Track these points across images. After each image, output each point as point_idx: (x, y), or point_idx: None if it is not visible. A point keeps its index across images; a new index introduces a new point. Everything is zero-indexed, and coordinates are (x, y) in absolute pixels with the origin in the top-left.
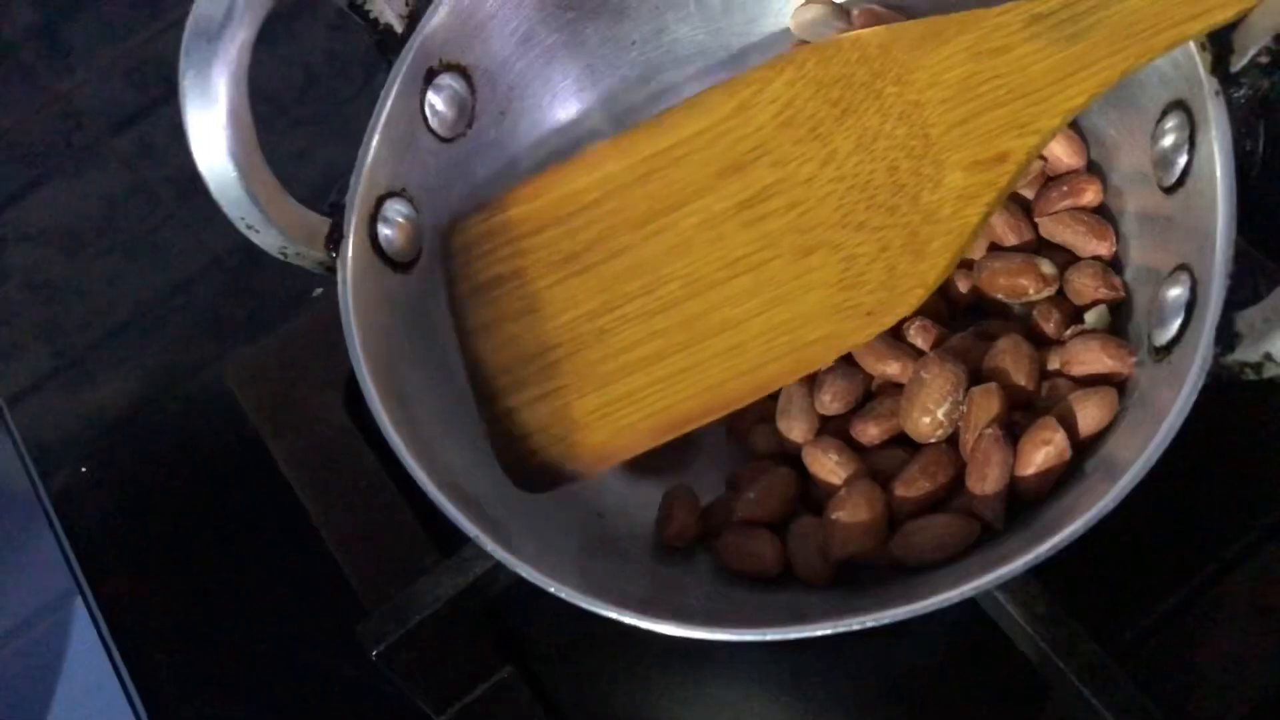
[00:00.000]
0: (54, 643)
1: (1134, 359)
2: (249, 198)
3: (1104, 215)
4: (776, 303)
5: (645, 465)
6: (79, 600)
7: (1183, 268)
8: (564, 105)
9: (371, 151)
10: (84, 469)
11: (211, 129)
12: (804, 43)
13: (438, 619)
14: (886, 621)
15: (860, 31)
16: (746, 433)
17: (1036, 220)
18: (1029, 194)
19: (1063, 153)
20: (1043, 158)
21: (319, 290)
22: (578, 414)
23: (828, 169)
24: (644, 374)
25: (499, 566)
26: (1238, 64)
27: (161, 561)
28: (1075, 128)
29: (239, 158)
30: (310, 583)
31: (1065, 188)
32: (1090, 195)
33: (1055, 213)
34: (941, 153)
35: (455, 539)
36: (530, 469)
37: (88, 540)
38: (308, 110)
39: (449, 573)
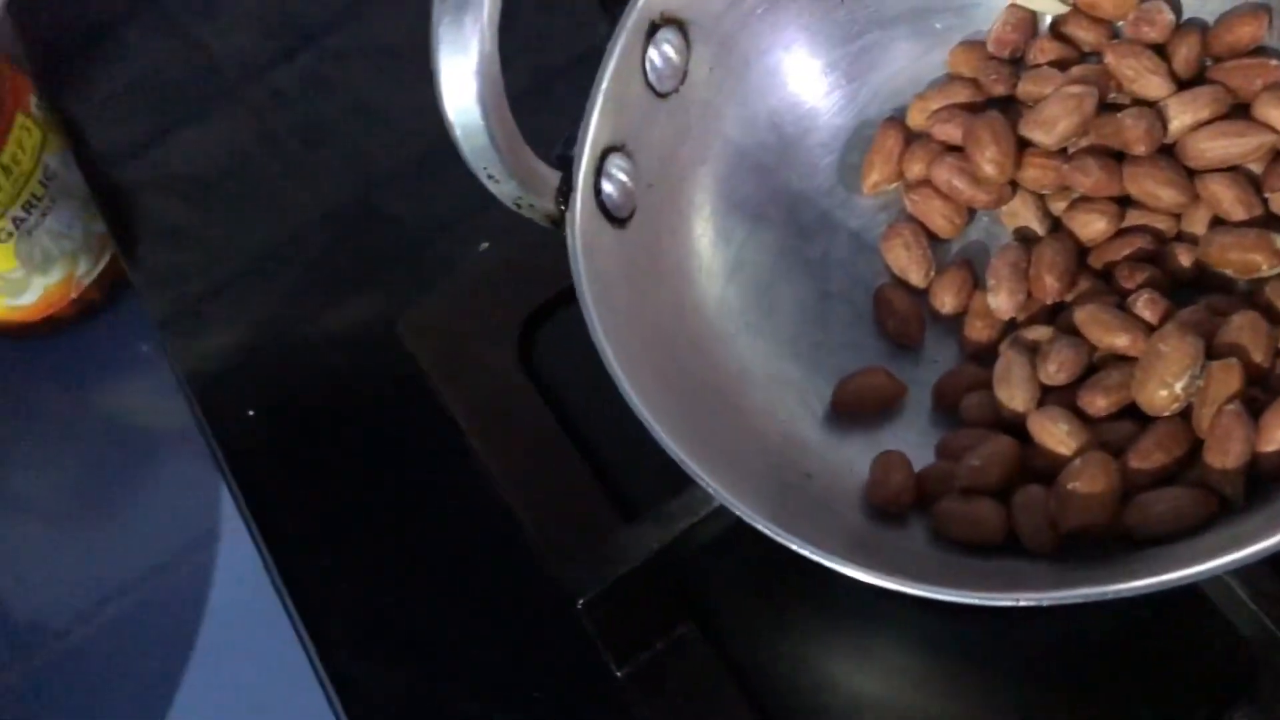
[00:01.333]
0: (209, 573)
1: None
2: (493, 147)
3: None
4: None
5: (849, 426)
6: (235, 534)
7: None
8: (769, 64)
9: (599, 105)
10: (239, 396)
11: (463, 77)
12: (1018, 7)
13: (641, 572)
14: (1122, 594)
15: None
16: (956, 401)
17: (1266, 195)
18: (1257, 168)
19: None
20: (1276, 130)
21: (485, 245)
22: None
23: None
24: None
25: (699, 524)
26: None
27: (328, 501)
28: None
29: (488, 107)
30: (482, 529)
31: None
32: None
33: None
34: None
35: (635, 502)
36: None
37: (252, 473)
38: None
39: (654, 527)
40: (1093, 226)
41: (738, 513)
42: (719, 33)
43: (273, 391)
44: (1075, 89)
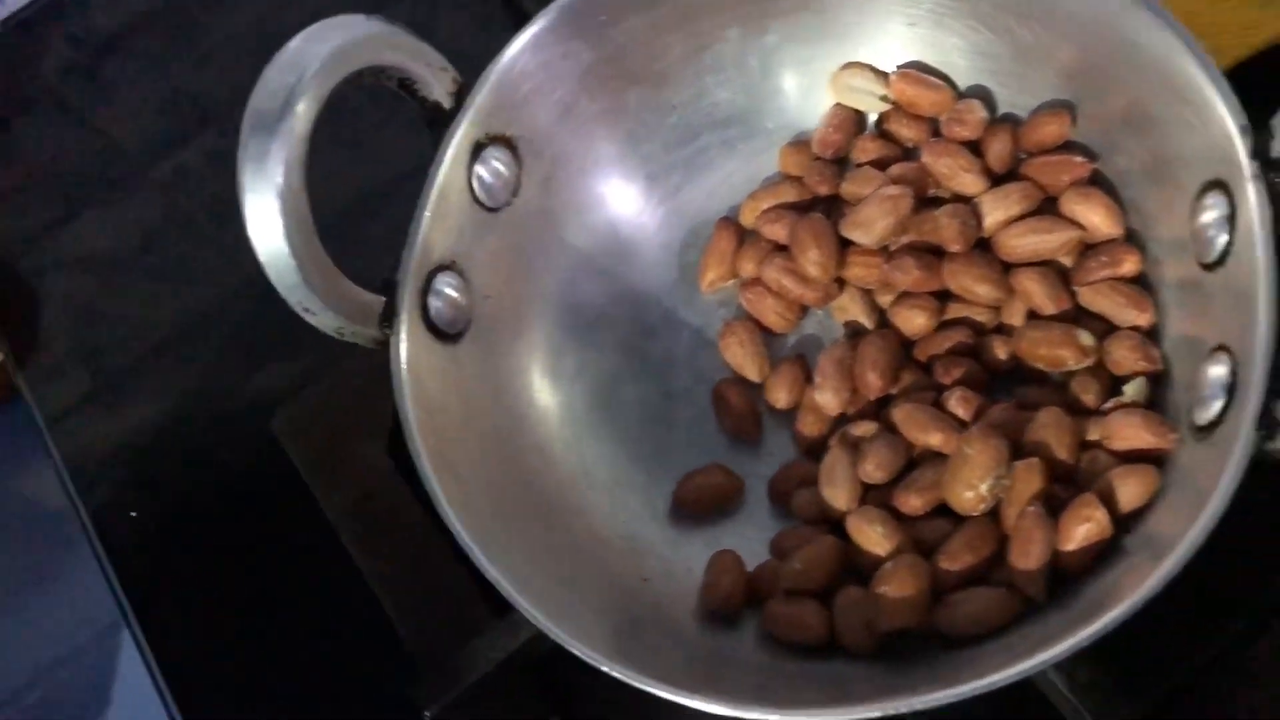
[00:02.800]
0: (105, 670)
1: (1175, 436)
2: (305, 284)
3: (1143, 285)
4: None
5: (689, 525)
6: (125, 630)
7: (1223, 348)
8: (605, 171)
9: (423, 226)
10: (125, 493)
11: (270, 218)
12: (843, 106)
13: (491, 679)
14: (937, 704)
15: None
16: (789, 496)
17: (1075, 289)
18: (1068, 262)
19: (1101, 221)
20: (1081, 226)
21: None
22: None
23: None
24: None
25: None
26: (1278, 149)
27: (206, 593)
28: (1115, 196)
29: (296, 245)
30: (358, 625)
31: (1104, 257)
32: (1129, 265)
33: (1094, 282)
34: None
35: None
36: None
37: (131, 569)
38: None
39: (502, 634)
40: (914, 321)
41: (565, 645)
42: (551, 146)
43: (158, 488)
44: (892, 190)
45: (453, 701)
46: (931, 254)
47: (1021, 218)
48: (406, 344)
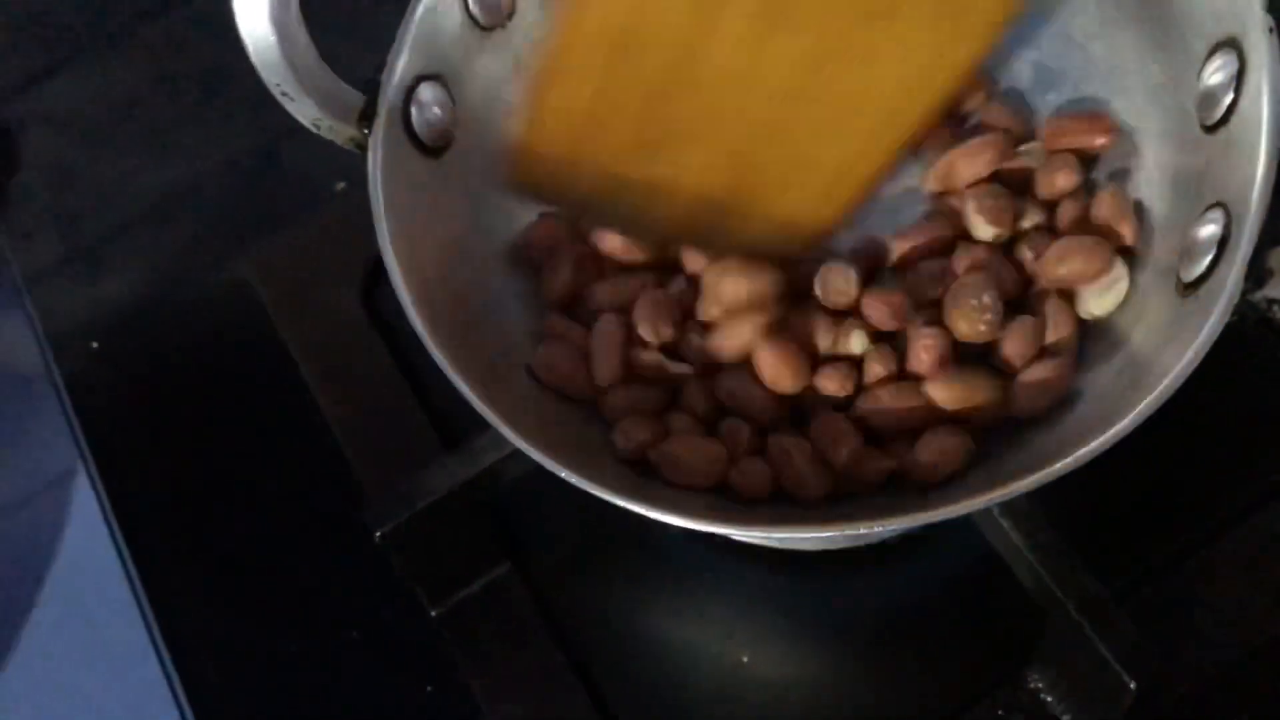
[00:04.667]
0: (57, 517)
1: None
2: (286, 63)
3: (1138, 158)
4: (900, 59)
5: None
6: (83, 478)
7: (1218, 205)
8: None
9: (411, 31)
10: (95, 353)
11: None
12: None
13: (443, 506)
14: (890, 530)
15: None
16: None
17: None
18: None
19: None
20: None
21: (341, 185)
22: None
23: None
24: (823, 162)
25: (506, 460)
26: None
27: (168, 444)
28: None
29: (280, 22)
30: (315, 471)
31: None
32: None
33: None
34: None
35: (460, 434)
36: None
37: (95, 420)
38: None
39: (458, 462)
40: None
41: (530, 454)
42: None
43: (129, 350)
44: None
45: (403, 524)
46: None
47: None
48: (385, 146)
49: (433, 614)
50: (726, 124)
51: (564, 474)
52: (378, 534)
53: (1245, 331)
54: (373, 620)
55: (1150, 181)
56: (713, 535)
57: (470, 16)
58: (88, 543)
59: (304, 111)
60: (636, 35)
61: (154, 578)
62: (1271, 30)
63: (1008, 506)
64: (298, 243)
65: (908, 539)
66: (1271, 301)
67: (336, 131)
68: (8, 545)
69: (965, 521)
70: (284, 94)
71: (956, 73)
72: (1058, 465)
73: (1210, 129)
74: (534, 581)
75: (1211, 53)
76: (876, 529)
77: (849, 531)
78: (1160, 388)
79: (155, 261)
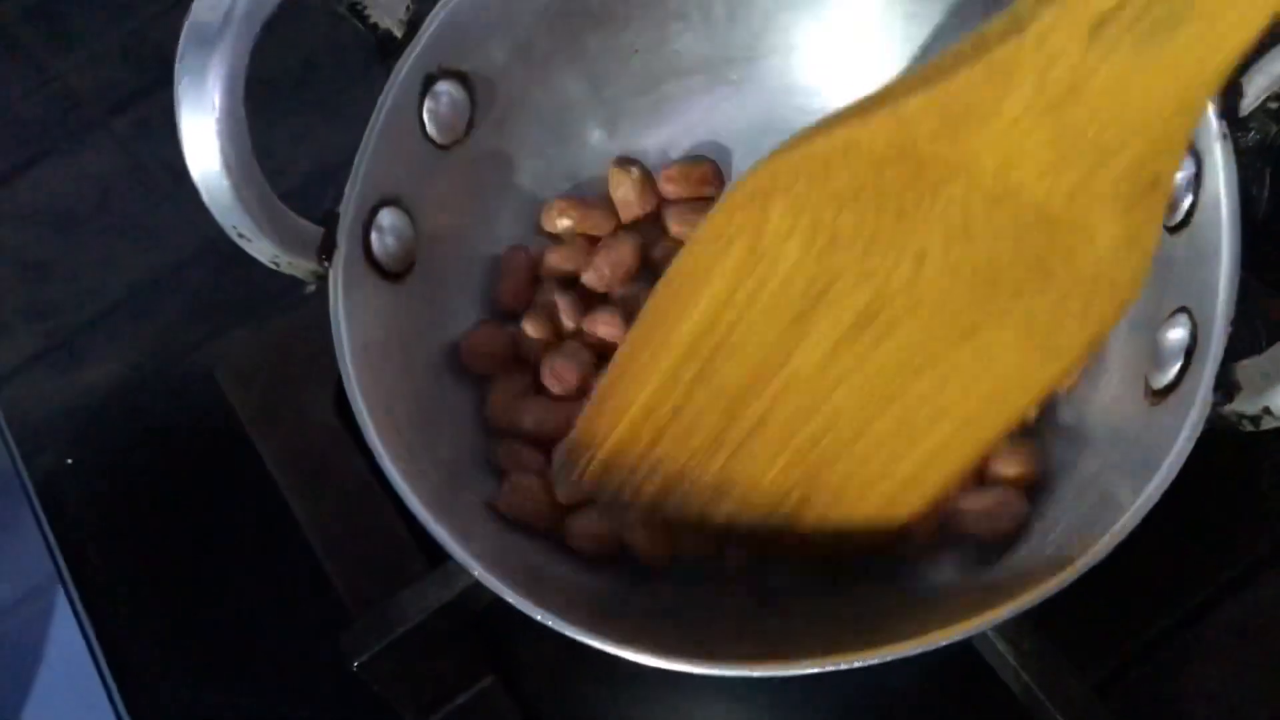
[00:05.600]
0: (36, 630)
1: None
2: (241, 206)
3: None
4: (975, 379)
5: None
6: (60, 589)
7: (1183, 310)
8: (563, 115)
9: (368, 159)
10: (69, 455)
11: (205, 136)
12: None
13: (421, 631)
14: (874, 662)
15: (845, 129)
16: None
17: None
18: None
19: None
20: None
21: (312, 287)
22: (858, 525)
23: (928, 266)
24: (891, 477)
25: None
26: (1246, 108)
27: (145, 553)
28: None
29: (233, 166)
30: (294, 582)
31: None
32: None
33: None
34: (1076, 218)
35: (441, 549)
36: None
37: (70, 528)
38: (308, 96)
39: (434, 586)
40: None
41: (499, 593)
42: (507, 85)
43: (103, 448)
44: None
45: (380, 651)
46: None
47: None
48: (343, 278)
49: None
50: (803, 424)
51: (523, 606)
52: (355, 664)
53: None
54: None
55: None
56: None
57: (428, 137)
58: (69, 657)
59: (262, 251)
60: (729, 344)
61: (133, 693)
62: (1225, 136)
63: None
64: (269, 340)
65: None
66: (1242, 416)
67: (295, 267)
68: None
69: None
70: (240, 235)
71: (1040, 391)
72: (1047, 585)
73: (1173, 230)
74: (519, 693)
75: None
76: (872, 660)
77: (841, 667)
78: (1134, 507)
79: (133, 350)
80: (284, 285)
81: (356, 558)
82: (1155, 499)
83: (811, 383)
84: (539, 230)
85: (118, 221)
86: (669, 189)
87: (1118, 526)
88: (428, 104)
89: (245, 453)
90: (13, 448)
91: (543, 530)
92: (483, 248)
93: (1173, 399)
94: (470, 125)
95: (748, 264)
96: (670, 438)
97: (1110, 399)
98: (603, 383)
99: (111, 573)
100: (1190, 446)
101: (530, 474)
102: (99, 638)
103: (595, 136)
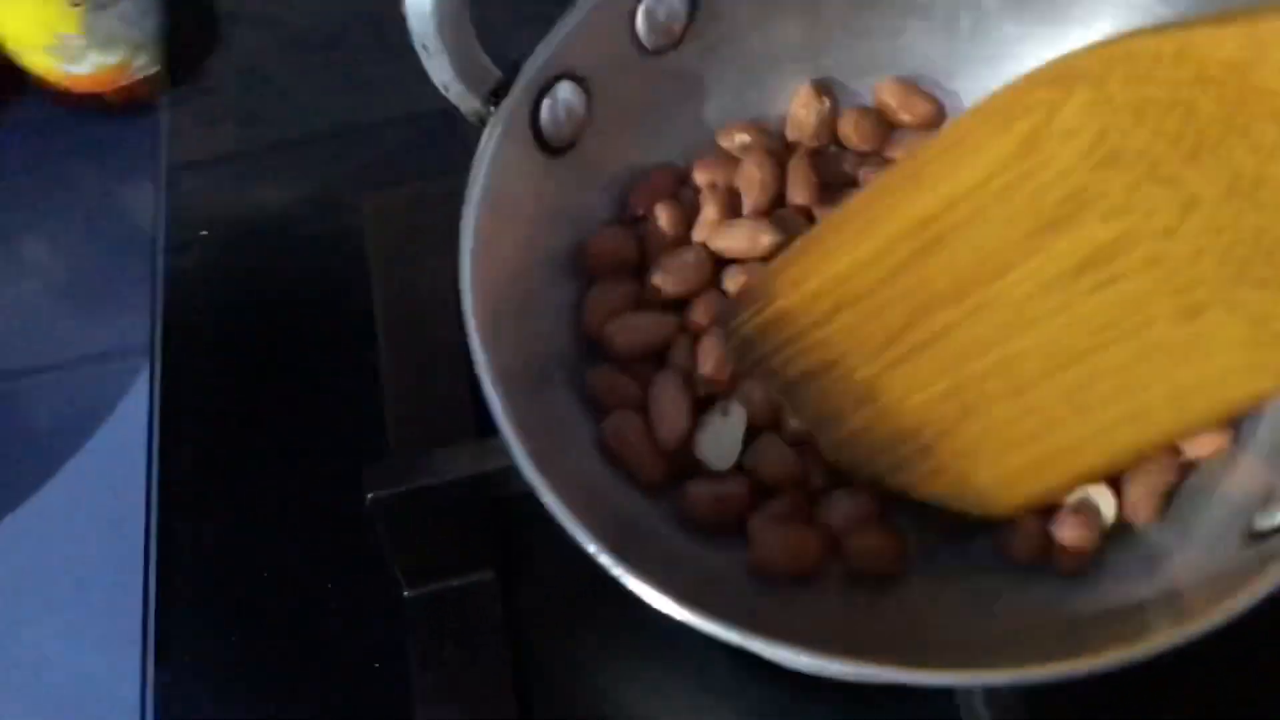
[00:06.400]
0: (110, 389)
1: None
2: (436, 19)
3: None
4: (1176, 365)
5: None
6: (147, 361)
7: None
8: (772, 64)
9: (568, 28)
10: (204, 246)
11: None
12: None
13: (443, 491)
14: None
15: (1187, 33)
16: None
17: None
18: None
19: None
20: None
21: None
22: (974, 487)
23: (1193, 219)
24: (1034, 446)
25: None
26: None
27: (231, 352)
28: None
29: None
30: (350, 428)
31: None
32: None
33: None
34: None
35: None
36: None
37: (177, 301)
38: None
39: (471, 454)
40: None
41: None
42: (730, 15)
43: (238, 243)
44: None
45: (399, 495)
46: None
47: None
48: (501, 128)
49: (405, 594)
50: (981, 355)
51: (553, 506)
52: (369, 496)
53: None
54: (352, 583)
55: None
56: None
57: (634, 33)
58: (129, 424)
59: (437, 70)
60: (953, 237)
61: (169, 481)
62: None
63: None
64: (427, 199)
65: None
66: None
67: (464, 99)
68: (70, 397)
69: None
70: (424, 46)
71: (1237, 405)
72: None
73: None
74: (513, 598)
75: None
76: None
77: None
78: (1196, 628)
79: (312, 183)
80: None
81: (415, 414)
82: (1208, 628)
83: (1010, 311)
84: (715, 152)
85: (348, 58)
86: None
87: (1160, 638)
88: (646, 2)
89: (363, 299)
90: (164, 219)
91: (643, 485)
92: (643, 157)
93: (1268, 544)
94: (680, 41)
95: (1019, 153)
96: (847, 317)
97: (1206, 525)
98: (805, 235)
99: (195, 357)
100: (1267, 593)
101: (630, 412)
102: (161, 418)
103: (800, 90)
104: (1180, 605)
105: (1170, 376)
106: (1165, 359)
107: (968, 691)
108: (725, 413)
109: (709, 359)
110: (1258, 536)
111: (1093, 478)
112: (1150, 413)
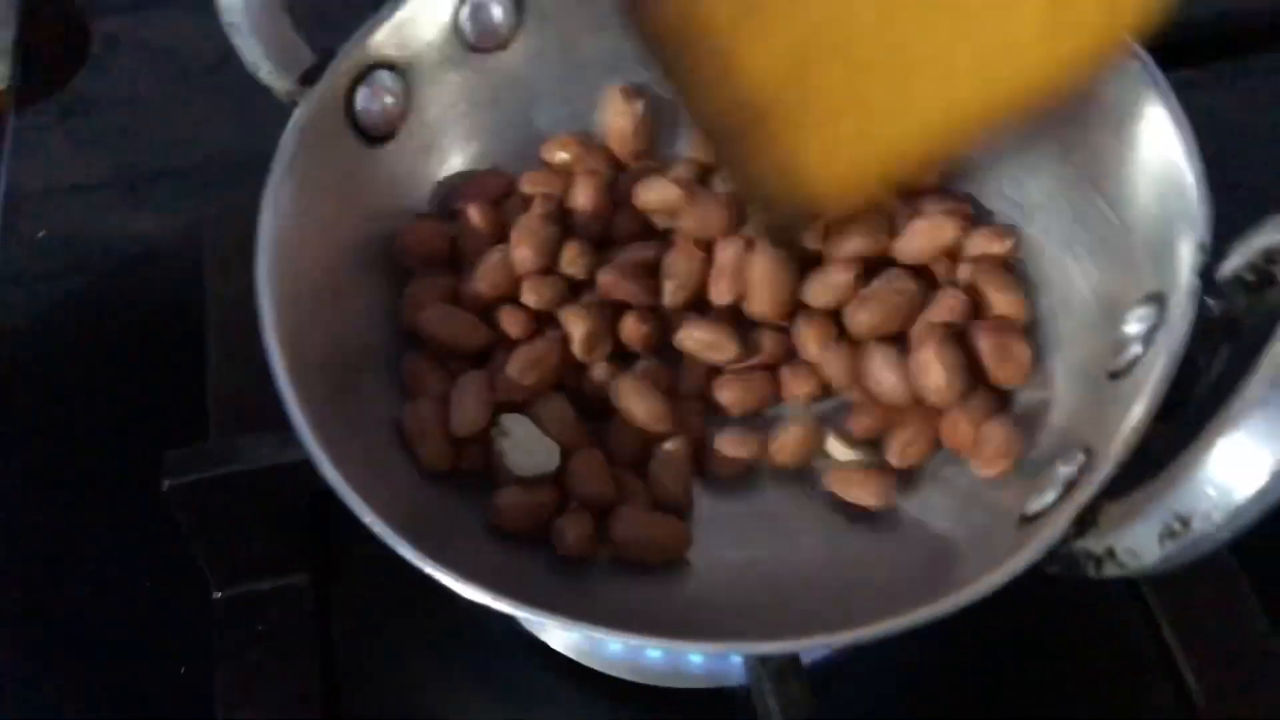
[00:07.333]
0: None
1: None
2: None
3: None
4: (982, 27)
5: None
6: None
7: (1084, 448)
8: (599, 69)
9: (385, 19)
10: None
11: None
12: None
13: (244, 480)
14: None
15: None
16: None
17: None
18: None
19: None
20: None
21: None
22: (803, 162)
23: None
24: (858, 110)
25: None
26: (1223, 273)
27: (63, 340)
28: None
29: None
30: (176, 417)
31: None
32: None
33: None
34: None
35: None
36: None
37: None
38: None
39: (273, 444)
40: None
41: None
42: (559, 18)
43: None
44: None
45: (197, 482)
46: None
47: None
48: (310, 112)
49: (216, 595)
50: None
51: (345, 494)
52: (166, 484)
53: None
54: (158, 583)
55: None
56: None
57: (459, 30)
58: None
59: (247, 51)
60: None
61: None
62: (1194, 294)
63: None
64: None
65: None
66: (1088, 556)
67: (274, 79)
68: None
69: None
70: (231, 23)
71: (1024, 91)
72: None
73: (1113, 376)
74: (327, 602)
75: (1140, 302)
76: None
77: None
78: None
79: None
80: None
81: (237, 410)
82: (964, 601)
83: None
84: (538, 162)
85: (230, 84)
86: None
87: (921, 613)
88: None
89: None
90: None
91: (443, 473)
92: (470, 157)
93: (1034, 526)
94: (508, 41)
95: None
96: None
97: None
98: None
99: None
100: (1024, 565)
101: (431, 399)
102: None
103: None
104: (952, 578)
105: (977, 36)
106: (974, 19)
107: (759, 686)
108: (506, 432)
109: (514, 365)
110: (1028, 520)
111: (908, 159)
112: (957, 76)
